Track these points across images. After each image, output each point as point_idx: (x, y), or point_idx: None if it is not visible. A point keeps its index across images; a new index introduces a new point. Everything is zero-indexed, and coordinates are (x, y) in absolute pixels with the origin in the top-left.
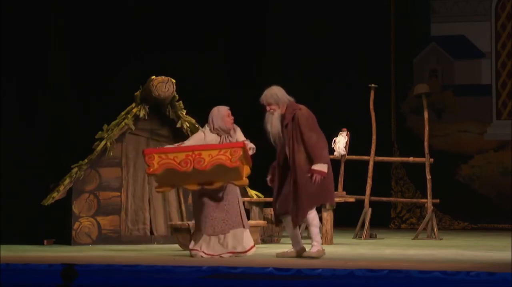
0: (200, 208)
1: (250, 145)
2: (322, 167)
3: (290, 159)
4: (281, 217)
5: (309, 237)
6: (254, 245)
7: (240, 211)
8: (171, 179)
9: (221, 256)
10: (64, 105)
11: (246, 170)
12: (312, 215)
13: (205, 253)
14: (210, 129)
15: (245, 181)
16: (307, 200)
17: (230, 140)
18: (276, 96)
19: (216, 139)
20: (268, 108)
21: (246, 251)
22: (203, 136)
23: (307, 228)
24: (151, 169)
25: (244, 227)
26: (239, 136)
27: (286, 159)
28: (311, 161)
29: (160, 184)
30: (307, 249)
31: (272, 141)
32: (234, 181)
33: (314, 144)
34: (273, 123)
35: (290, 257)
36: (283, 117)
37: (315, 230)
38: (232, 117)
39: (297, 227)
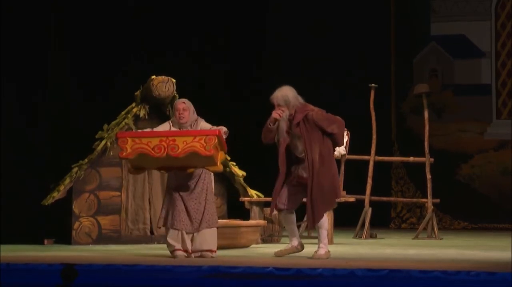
0: (172, 203)
1: (224, 129)
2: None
3: (308, 160)
4: (285, 212)
5: (310, 236)
6: (215, 251)
7: (212, 210)
8: (144, 163)
9: (191, 253)
10: (64, 105)
11: (221, 156)
12: (324, 217)
13: (183, 250)
14: (173, 120)
15: (220, 167)
16: (323, 203)
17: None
18: (287, 98)
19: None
20: (277, 108)
21: (212, 251)
22: (169, 127)
23: (307, 227)
24: (124, 154)
25: (213, 226)
26: (204, 126)
27: (290, 156)
28: (324, 160)
29: (133, 166)
30: (304, 248)
31: (276, 140)
32: (209, 167)
33: (338, 133)
34: (280, 124)
35: (289, 254)
36: (292, 117)
37: (324, 232)
38: (183, 114)
39: (295, 221)
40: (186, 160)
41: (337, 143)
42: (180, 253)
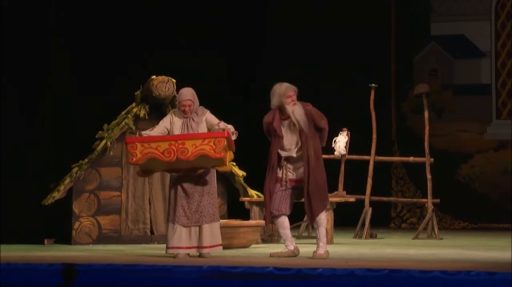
0: (174, 198)
1: (232, 129)
2: None
3: (305, 156)
4: (279, 217)
5: (309, 236)
6: (221, 244)
7: (215, 203)
8: (153, 166)
9: (198, 250)
10: (64, 104)
11: (230, 156)
12: (324, 216)
13: (184, 247)
14: (176, 111)
15: (228, 167)
16: (320, 198)
17: (193, 123)
18: (294, 88)
19: (179, 121)
20: (291, 99)
21: (216, 246)
22: (170, 120)
23: (307, 227)
24: (134, 159)
25: (217, 220)
26: (211, 119)
27: (279, 159)
28: (317, 156)
29: (142, 169)
30: (300, 249)
31: (304, 127)
32: (218, 167)
33: (327, 129)
34: (300, 113)
35: (286, 257)
36: (287, 115)
37: (323, 231)
38: (188, 109)
39: (289, 226)
40: (195, 162)
41: (323, 140)
42: (180, 251)
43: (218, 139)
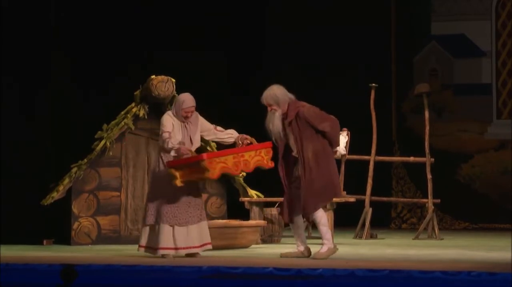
0: (161, 198)
1: (236, 134)
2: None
3: (299, 157)
4: (293, 218)
5: (309, 237)
6: (210, 243)
7: (202, 203)
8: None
9: (189, 250)
10: (64, 104)
11: None
12: (320, 214)
13: (173, 248)
14: (173, 114)
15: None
16: (314, 199)
17: (192, 125)
18: (275, 96)
19: (178, 124)
20: (269, 108)
21: (206, 244)
22: (172, 122)
23: (307, 227)
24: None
25: (206, 219)
26: (204, 122)
27: (289, 157)
28: (318, 157)
29: (183, 181)
30: (307, 249)
31: (274, 140)
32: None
33: (330, 131)
34: (274, 123)
35: (296, 257)
36: (285, 116)
37: (323, 228)
38: (190, 115)
39: (302, 226)
40: None
41: (332, 142)
42: (170, 252)
43: (267, 150)
